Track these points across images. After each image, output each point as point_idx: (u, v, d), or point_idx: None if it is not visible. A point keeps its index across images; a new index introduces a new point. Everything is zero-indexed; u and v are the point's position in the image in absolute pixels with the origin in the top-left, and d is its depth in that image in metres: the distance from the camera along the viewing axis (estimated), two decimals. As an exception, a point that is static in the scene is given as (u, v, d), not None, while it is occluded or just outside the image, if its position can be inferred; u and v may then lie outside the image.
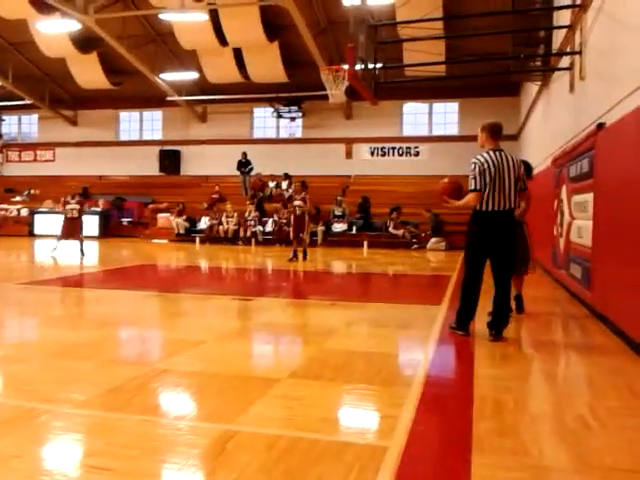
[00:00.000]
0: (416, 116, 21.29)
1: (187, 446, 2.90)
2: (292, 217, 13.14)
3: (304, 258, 12.72)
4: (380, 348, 4.99)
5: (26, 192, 22.67)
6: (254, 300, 7.67)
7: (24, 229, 20.33)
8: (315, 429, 3.13)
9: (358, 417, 3.49)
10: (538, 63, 12.74)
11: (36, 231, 20.25)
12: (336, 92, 14.68)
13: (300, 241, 12.97)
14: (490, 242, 5.10)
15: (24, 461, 2.74)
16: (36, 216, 20.53)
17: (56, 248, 13.27)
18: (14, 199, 22.31)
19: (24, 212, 21.01)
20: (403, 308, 7.26)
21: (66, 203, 13.88)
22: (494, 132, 5.17)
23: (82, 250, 13.25)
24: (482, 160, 5.03)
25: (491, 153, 5.07)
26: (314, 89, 18.58)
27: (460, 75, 16.27)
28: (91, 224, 19.61)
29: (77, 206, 13.93)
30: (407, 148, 20.58)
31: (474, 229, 5.18)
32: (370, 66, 10.23)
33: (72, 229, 13.63)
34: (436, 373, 4.36)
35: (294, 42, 17.23)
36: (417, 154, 20.41)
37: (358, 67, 9.70)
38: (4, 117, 24.45)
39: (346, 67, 11.49)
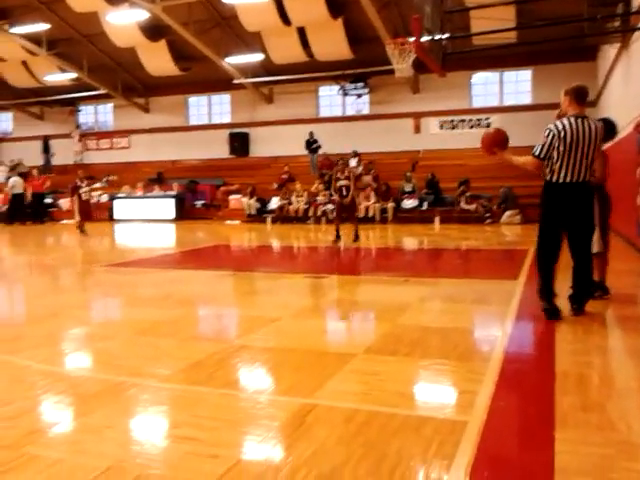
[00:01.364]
0: (486, 86, 20.61)
1: (268, 419, 2.97)
2: (337, 197, 12.32)
3: (355, 238, 11.89)
4: (456, 323, 4.92)
5: (105, 179, 23.62)
6: (326, 278, 7.72)
7: (104, 214, 21.23)
8: (392, 403, 3.14)
9: (435, 392, 3.47)
10: (616, 24, 12.02)
11: (115, 216, 21.12)
12: (402, 66, 14.38)
13: (344, 220, 12.29)
14: (564, 215, 4.86)
15: (115, 431, 2.89)
16: (115, 201, 21.40)
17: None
18: (95, 186, 23.29)
19: (104, 198, 21.92)
20: (478, 283, 7.12)
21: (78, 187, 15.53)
22: (579, 96, 4.83)
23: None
24: (559, 128, 4.74)
25: (571, 120, 4.76)
26: (380, 64, 18.30)
27: (532, 41, 15.56)
28: (167, 207, 20.29)
29: (88, 188, 15.95)
30: (477, 120, 19.99)
31: (546, 201, 4.95)
32: (437, 37, 9.96)
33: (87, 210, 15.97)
34: (515, 349, 4.27)
35: (358, 17, 17.00)
36: (488, 125, 19.76)
37: (424, 39, 9.47)
38: (81, 107, 25.47)
39: (412, 39, 11.23)
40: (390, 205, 17.70)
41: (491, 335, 4.68)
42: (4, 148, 26.61)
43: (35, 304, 6.57)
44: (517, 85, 20.27)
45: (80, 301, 6.75)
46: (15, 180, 20.71)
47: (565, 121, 4.78)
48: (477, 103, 20.47)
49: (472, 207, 16.95)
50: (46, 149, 25.22)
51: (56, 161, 25.15)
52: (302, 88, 21.61)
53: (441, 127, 20.40)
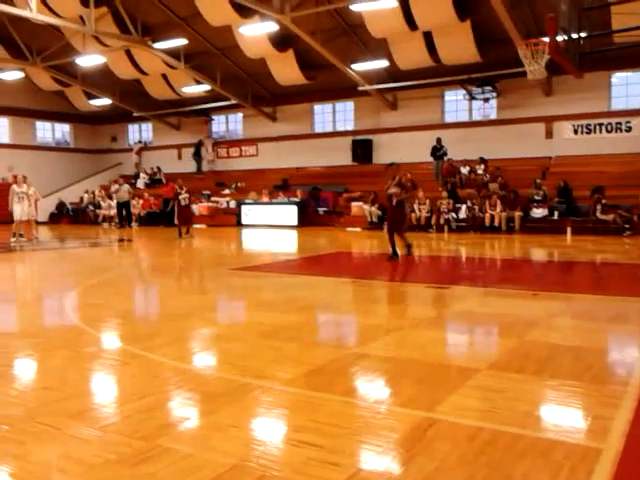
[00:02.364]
0: (627, 87, 19.17)
1: (387, 430, 2.94)
2: (388, 208, 10.84)
3: (408, 253, 10.53)
4: (590, 343, 4.60)
5: (234, 185, 24.77)
6: (449, 288, 7.54)
7: (232, 219, 22.24)
8: (518, 424, 2.99)
9: (566, 415, 3.26)
10: None
11: (243, 221, 22.05)
12: (535, 67, 13.79)
13: (397, 234, 10.58)
14: None
15: (240, 430, 3.00)
16: (242, 207, 22.35)
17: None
18: (224, 192, 24.51)
19: (232, 204, 22.98)
20: (615, 300, 6.62)
21: (178, 193, 17.07)
22: None
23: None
24: None
25: None
26: (509, 67, 17.67)
27: (682, 36, 14.28)
28: (290, 214, 20.87)
29: (187, 195, 17.21)
30: (617, 124, 18.64)
31: None
32: (574, 36, 9.43)
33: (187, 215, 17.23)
34: (658, 373, 3.91)
35: (487, 19, 16.52)
36: (629, 129, 18.41)
37: (560, 38, 9.00)
38: (213, 117, 26.92)
39: (546, 39, 10.71)
40: (517, 214, 16.97)
41: (629, 357, 4.32)
42: (145, 156, 28.74)
43: (169, 304, 7.01)
44: (663, 85, 18.68)
45: (208, 303, 7.11)
46: (121, 187, 22.17)
47: None
48: (617, 105, 19.10)
49: (609, 217, 15.83)
50: (197, 153, 26.57)
51: (189, 168, 26.74)
52: (427, 93, 21.35)
53: (575, 132, 19.26)
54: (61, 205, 26.60)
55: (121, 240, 17.02)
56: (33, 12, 16.87)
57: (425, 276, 9.39)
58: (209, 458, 2.63)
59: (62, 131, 29.41)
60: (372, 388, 3.73)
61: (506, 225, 16.99)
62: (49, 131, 28.80)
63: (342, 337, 5.25)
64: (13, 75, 24.01)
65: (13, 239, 15.63)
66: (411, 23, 17.48)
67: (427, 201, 18.36)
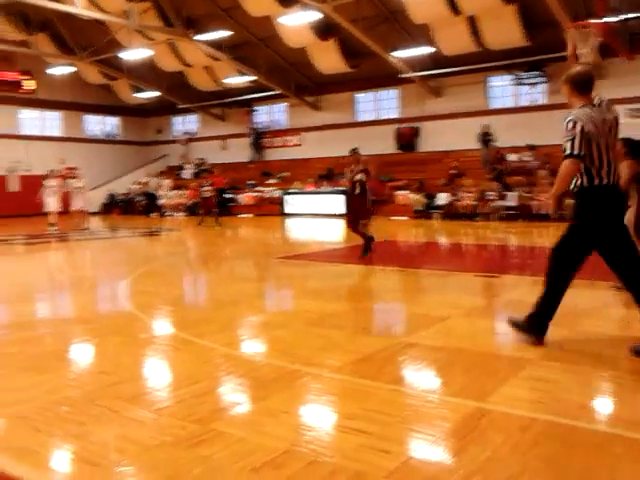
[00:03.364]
0: (685, 68, 18.39)
1: (439, 419, 2.93)
2: (351, 197, 9.79)
3: (364, 252, 9.13)
4: (646, 332, 4.46)
5: (279, 175, 24.90)
6: (499, 277, 7.41)
7: (276, 209, 22.38)
8: (573, 415, 2.93)
9: (623, 408, 3.18)
10: None
11: (286, 210, 22.17)
12: (585, 51, 13.36)
13: (359, 228, 9.40)
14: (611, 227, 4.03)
15: (291, 416, 3.04)
16: (286, 196, 22.46)
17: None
18: (268, 181, 24.68)
19: (277, 193, 23.12)
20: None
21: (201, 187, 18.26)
22: (579, 85, 4.00)
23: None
24: (585, 117, 3.85)
25: (587, 109, 3.89)
26: (557, 50, 17.12)
27: None
28: (335, 203, 20.86)
29: (210, 187, 18.08)
30: (673, 106, 17.90)
31: (589, 211, 4.04)
32: (625, 17, 9.08)
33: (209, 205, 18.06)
34: None
35: (533, 1, 16.06)
36: (688, 112, 17.66)
37: (610, 19, 8.68)
38: (257, 108, 27.06)
39: (596, 21, 10.37)
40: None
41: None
42: (191, 147, 29.17)
43: (218, 292, 7.12)
44: None
45: (256, 290, 7.19)
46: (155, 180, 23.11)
47: (586, 109, 3.90)
48: (673, 87, 18.33)
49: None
50: (256, 142, 26.65)
51: (234, 158, 27.00)
52: (472, 79, 20.92)
53: (631, 115, 18.58)
54: (111, 196, 27.28)
55: (170, 229, 17.35)
56: (79, 8, 17.27)
57: (474, 265, 9.25)
58: (261, 442, 2.68)
59: (111, 124, 30.09)
60: (422, 377, 3.71)
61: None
62: (98, 124, 29.50)
63: (390, 326, 5.24)
64: (63, 70, 24.67)
65: (53, 228, 16.35)
66: (454, 8, 17.15)
67: (474, 189, 18.07)
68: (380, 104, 24.04)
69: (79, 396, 3.32)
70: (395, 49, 19.60)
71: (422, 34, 18.89)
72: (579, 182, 3.99)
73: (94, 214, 25.04)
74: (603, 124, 3.88)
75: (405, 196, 19.71)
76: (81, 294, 7.10)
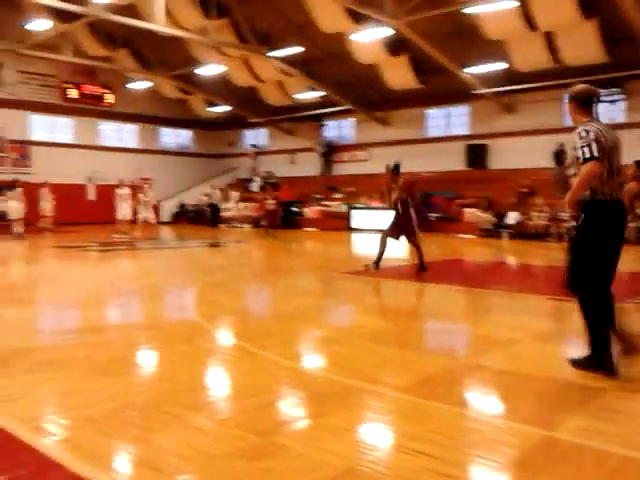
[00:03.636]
0: None
1: (505, 446, 2.82)
2: (398, 216, 9.58)
3: (421, 269, 9.23)
4: None
5: (345, 190, 24.97)
6: (571, 301, 7.09)
7: (342, 223, 22.42)
8: (653, 451, 2.75)
9: None
10: None
11: (353, 225, 22.16)
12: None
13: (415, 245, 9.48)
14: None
15: (353, 434, 3.00)
16: (353, 211, 22.46)
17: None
18: (335, 196, 24.78)
19: (343, 208, 23.17)
20: None
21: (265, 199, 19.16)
22: (583, 101, 4.09)
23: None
24: (597, 130, 3.85)
25: (594, 125, 3.90)
26: (637, 67, 16.49)
27: None
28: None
29: (274, 200, 19.04)
30: None
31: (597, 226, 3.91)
32: None
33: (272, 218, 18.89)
34: None
35: (614, 17, 15.49)
36: None
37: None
38: (326, 122, 27.30)
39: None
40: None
41: None
42: (259, 161, 29.71)
43: (280, 304, 7.17)
44: None
45: (318, 304, 7.19)
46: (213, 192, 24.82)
47: (594, 123, 3.92)
48: None
49: None
50: (327, 157, 26.90)
51: (301, 172, 27.28)
52: (547, 96, 20.35)
53: None
54: (181, 207, 28.11)
55: (237, 241, 17.67)
56: (160, 25, 17.98)
57: (544, 287, 8.92)
58: (322, 459, 2.64)
59: (184, 136, 31.07)
60: (488, 401, 3.59)
61: (634, 235, 15.83)
62: (172, 136, 30.53)
63: (454, 346, 5.10)
64: (142, 85, 25.74)
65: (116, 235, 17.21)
66: (530, 23, 16.78)
67: (546, 209, 17.51)
68: (450, 120, 23.77)
69: (144, 402, 3.40)
70: (467, 65, 19.36)
71: (496, 50, 18.59)
72: (586, 194, 3.90)
73: (165, 224, 25.85)
74: (610, 139, 3.89)
75: (473, 214, 19.34)
76: (148, 301, 7.30)
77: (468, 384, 3.87)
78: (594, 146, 3.75)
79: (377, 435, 3.06)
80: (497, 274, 10.82)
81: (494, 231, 18.36)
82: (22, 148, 24.62)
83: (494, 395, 3.69)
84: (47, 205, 19.39)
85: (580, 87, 4.20)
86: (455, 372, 4.03)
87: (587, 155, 3.76)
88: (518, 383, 3.80)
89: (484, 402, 3.56)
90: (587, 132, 3.83)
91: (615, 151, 3.91)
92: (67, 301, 7.19)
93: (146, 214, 18.20)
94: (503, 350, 4.64)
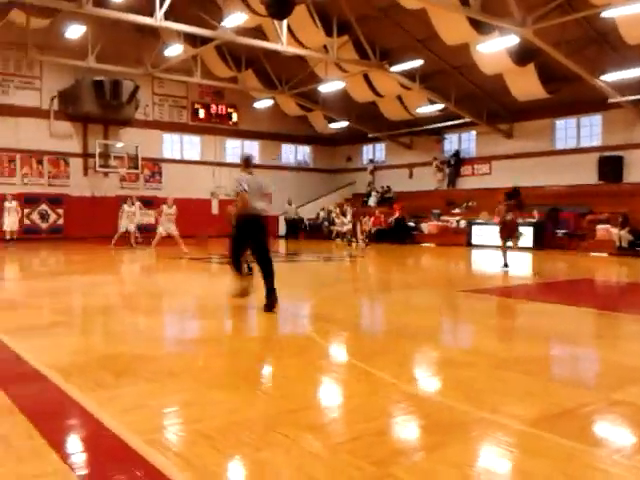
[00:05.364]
0: None
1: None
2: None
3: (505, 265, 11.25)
4: None
5: (464, 204, 24.22)
6: None
7: (462, 239, 21.71)
8: None
9: None
10: None
11: (473, 241, 21.39)
12: None
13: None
14: None
15: (476, 471, 2.72)
16: (473, 227, 21.69)
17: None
18: (454, 211, 24.11)
19: (462, 223, 22.45)
20: None
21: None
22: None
23: None
24: None
25: None
26: None
27: None
28: (526, 235, 19.65)
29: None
30: None
31: None
32: None
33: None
34: None
35: None
36: None
37: None
38: (445, 136, 26.71)
39: None
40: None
41: None
42: (377, 175, 29.65)
43: (397, 322, 6.92)
44: None
45: (437, 323, 6.88)
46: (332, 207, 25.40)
47: None
48: None
49: None
50: (454, 170, 26.30)
51: (419, 187, 26.85)
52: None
53: None
54: (300, 221, 28.62)
55: (352, 256, 17.63)
56: (284, 45, 18.49)
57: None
58: (443, 498, 2.41)
59: (303, 152, 31.73)
60: (634, 443, 3.15)
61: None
62: (292, 153, 31.28)
63: (592, 377, 4.61)
64: (265, 103, 26.64)
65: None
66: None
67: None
68: (582, 131, 22.39)
69: (258, 419, 3.32)
70: (602, 72, 18.12)
71: (635, 55, 17.25)
72: None
73: (282, 237, 26.44)
74: None
75: (607, 231, 17.96)
76: (264, 314, 7.35)
77: (610, 421, 3.44)
78: None
79: (505, 475, 2.76)
80: (634, 296, 9.87)
81: (631, 250, 16.91)
82: (155, 165, 26.33)
83: (635, 435, 3.24)
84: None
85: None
86: (595, 407, 3.61)
87: None
88: (670, 424, 3.32)
89: (630, 443, 3.13)
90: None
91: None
92: (189, 311, 7.42)
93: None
94: (649, 384, 4.11)
